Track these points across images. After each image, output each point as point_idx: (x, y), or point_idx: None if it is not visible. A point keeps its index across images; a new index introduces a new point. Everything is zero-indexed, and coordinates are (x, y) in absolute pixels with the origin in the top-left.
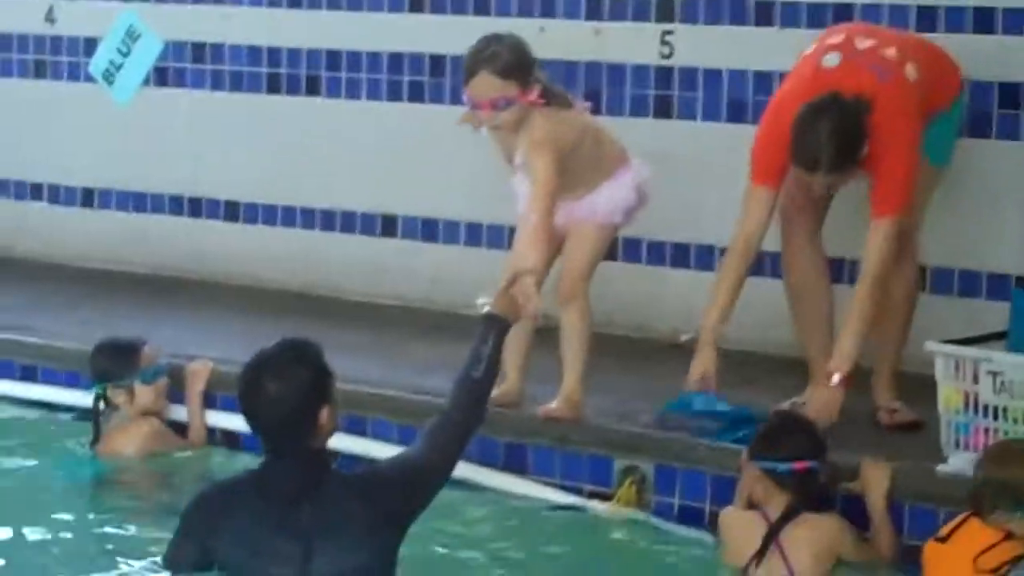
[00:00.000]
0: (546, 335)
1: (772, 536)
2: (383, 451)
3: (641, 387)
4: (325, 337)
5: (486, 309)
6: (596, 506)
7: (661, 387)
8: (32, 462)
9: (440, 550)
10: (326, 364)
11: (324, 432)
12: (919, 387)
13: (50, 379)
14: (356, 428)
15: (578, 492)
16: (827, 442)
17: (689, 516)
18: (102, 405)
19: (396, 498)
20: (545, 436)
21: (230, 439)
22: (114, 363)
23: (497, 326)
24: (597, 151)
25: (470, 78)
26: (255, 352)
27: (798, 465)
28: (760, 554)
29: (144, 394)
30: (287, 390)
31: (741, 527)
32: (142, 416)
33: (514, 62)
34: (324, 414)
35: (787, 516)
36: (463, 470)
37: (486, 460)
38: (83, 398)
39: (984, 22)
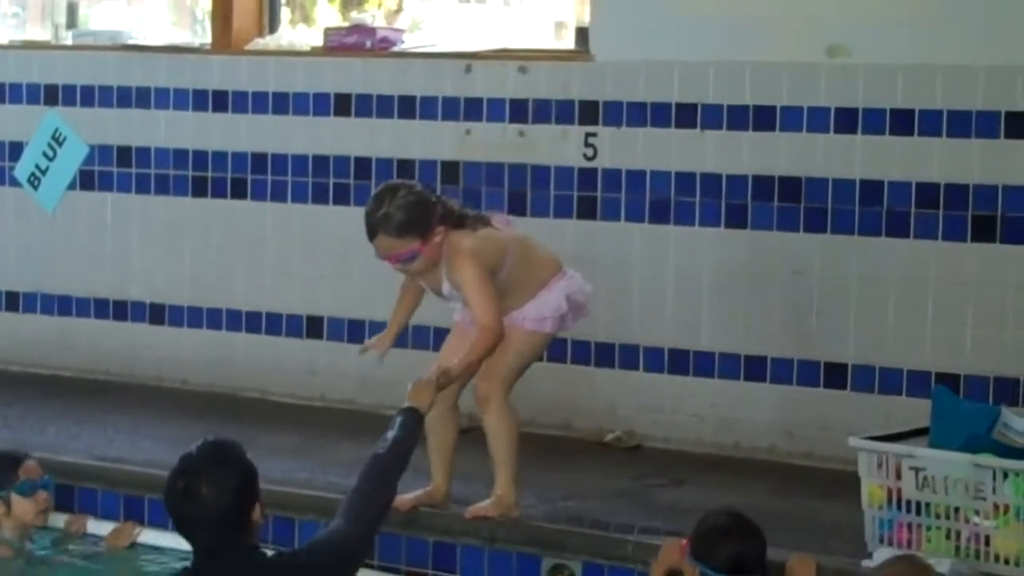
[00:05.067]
0: (477, 437)
1: None
2: None
3: (567, 485)
4: (253, 439)
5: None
6: None
7: (588, 485)
8: None
9: None
10: (249, 462)
11: (255, 528)
12: (841, 483)
13: None
14: (285, 529)
15: None
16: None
17: None
18: None
19: (332, 572)
20: (474, 536)
21: None
22: None
23: (406, 413)
24: (524, 267)
25: (371, 239)
26: (179, 457)
27: None
28: None
29: (20, 505)
30: (219, 492)
31: None
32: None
33: (407, 220)
34: (256, 511)
35: None
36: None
37: (414, 560)
38: None
39: (901, 123)
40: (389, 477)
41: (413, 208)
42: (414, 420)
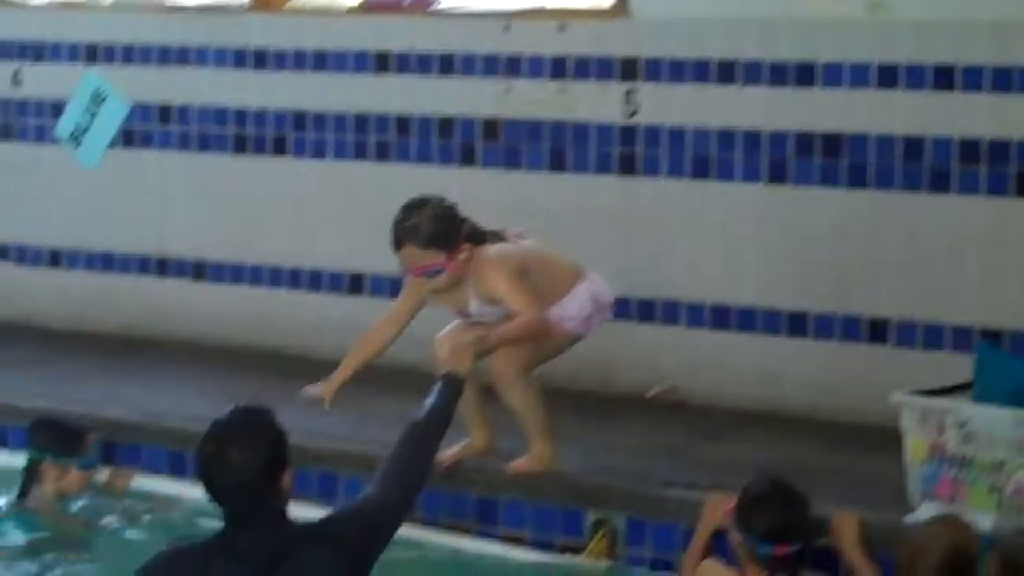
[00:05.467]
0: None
1: None
2: None
3: (610, 441)
4: (295, 395)
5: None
6: (568, 559)
7: (630, 441)
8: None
9: None
10: (281, 427)
11: (285, 495)
12: (884, 439)
13: (19, 440)
14: (327, 484)
15: (549, 546)
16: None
17: (661, 568)
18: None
19: (361, 543)
20: (516, 490)
21: None
22: (61, 442)
23: (444, 380)
24: (545, 277)
25: (397, 249)
26: (211, 423)
27: (780, 550)
28: None
29: (75, 479)
30: (249, 458)
31: None
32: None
33: (434, 232)
34: (285, 478)
35: None
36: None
37: (458, 515)
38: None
39: (943, 79)
40: (426, 444)
41: (441, 222)
42: (453, 387)
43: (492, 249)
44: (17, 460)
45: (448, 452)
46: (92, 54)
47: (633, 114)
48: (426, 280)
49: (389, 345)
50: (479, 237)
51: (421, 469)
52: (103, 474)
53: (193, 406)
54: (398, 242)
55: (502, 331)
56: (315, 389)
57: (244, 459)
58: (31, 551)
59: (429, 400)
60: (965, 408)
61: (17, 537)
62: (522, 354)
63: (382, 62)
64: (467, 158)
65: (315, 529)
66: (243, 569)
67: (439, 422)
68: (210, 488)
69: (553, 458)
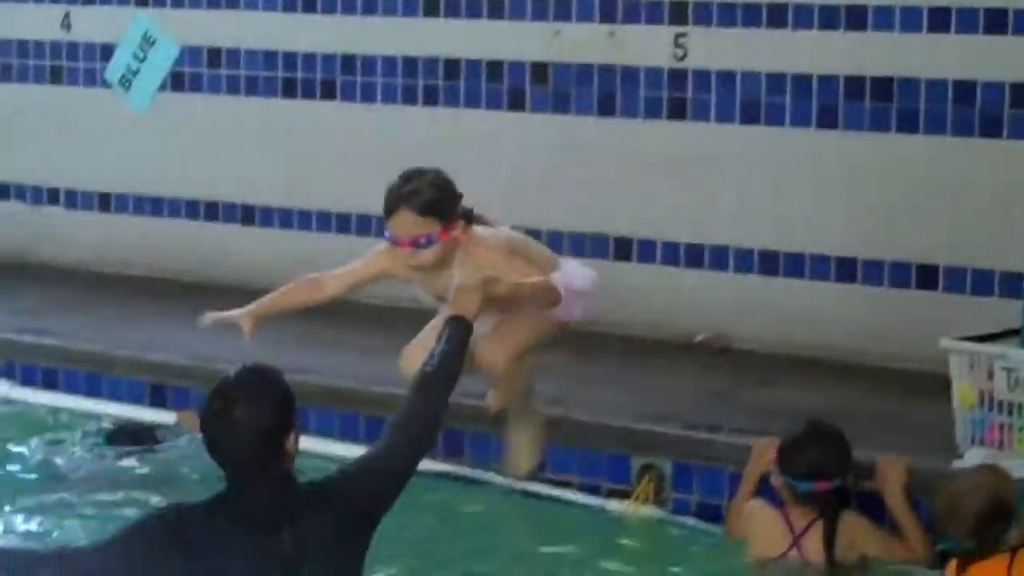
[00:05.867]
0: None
1: (794, 542)
2: None
3: (657, 386)
4: (343, 339)
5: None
6: (614, 504)
7: (677, 386)
8: (57, 459)
9: (459, 550)
10: (289, 389)
11: (289, 457)
12: (932, 385)
13: (70, 382)
14: (375, 428)
15: (596, 490)
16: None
17: (708, 513)
18: None
19: (368, 499)
20: (564, 436)
21: None
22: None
23: (452, 324)
24: (526, 262)
25: (389, 216)
26: (219, 379)
27: (820, 486)
28: (782, 556)
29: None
30: (253, 417)
31: (763, 525)
32: None
33: (434, 199)
34: (290, 439)
35: (808, 527)
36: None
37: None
38: (100, 405)
39: (995, 23)
40: (437, 394)
41: (441, 191)
42: (461, 331)
43: (485, 230)
44: (66, 401)
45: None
46: None
47: (682, 58)
48: (412, 253)
49: (312, 306)
50: (471, 216)
51: (430, 419)
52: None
53: (240, 349)
54: (392, 207)
55: (516, 281)
56: (229, 313)
57: (248, 417)
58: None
59: (437, 347)
60: (1014, 354)
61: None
62: (511, 347)
63: (431, 5)
64: (516, 102)
65: (319, 490)
66: (246, 530)
67: (448, 370)
68: (211, 445)
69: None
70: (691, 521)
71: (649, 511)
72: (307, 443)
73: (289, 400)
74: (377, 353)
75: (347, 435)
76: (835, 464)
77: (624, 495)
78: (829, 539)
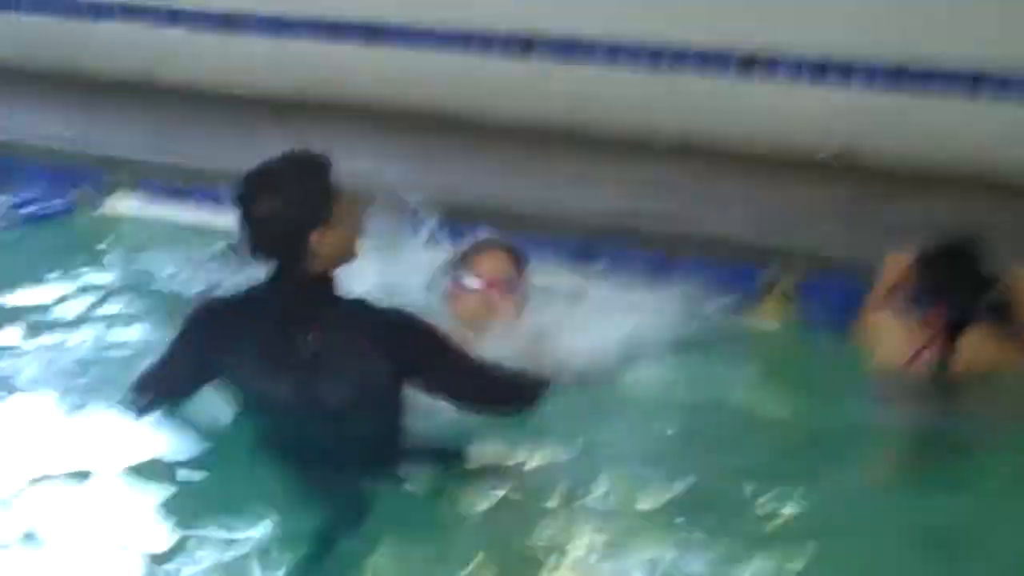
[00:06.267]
0: None
1: (917, 354)
2: None
3: (785, 202)
4: (469, 157)
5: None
6: (742, 316)
7: (804, 202)
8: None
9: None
10: (329, 183)
11: (322, 257)
12: None
13: (196, 199)
14: None
15: (723, 306)
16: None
17: (834, 327)
18: None
19: (408, 363)
20: (691, 250)
21: None
22: None
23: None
24: None
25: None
26: (259, 161)
27: (944, 300)
28: (905, 367)
29: None
30: (276, 206)
31: (889, 335)
32: None
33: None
34: (316, 236)
35: (932, 340)
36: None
37: (633, 272)
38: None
39: None
40: (501, 400)
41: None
42: (536, 389)
43: None
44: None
45: None
46: None
47: None
48: (480, 301)
49: None
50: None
51: (489, 399)
52: None
53: (364, 168)
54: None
55: None
56: None
57: (271, 206)
58: None
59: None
60: None
61: None
62: None
63: None
64: None
65: (363, 312)
66: (273, 325)
67: (515, 396)
68: (242, 230)
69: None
70: (817, 334)
71: (776, 326)
72: None
73: (321, 194)
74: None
75: None
76: (965, 279)
77: (751, 310)
78: (948, 353)
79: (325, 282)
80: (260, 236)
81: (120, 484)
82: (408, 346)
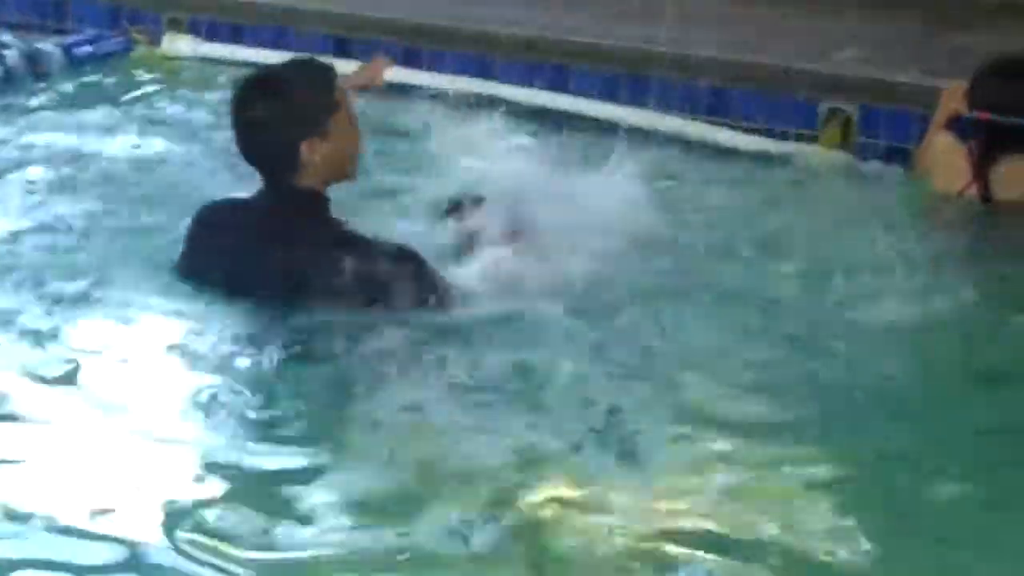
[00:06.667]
0: None
1: (973, 179)
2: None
3: (846, 31)
4: None
5: None
6: (802, 148)
7: (867, 30)
8: None
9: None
10: (331, 94)
11: (312, 170)
12: None
13: (255, 36)
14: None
15: (783, 136)
16: None
17: (895, 156)
18: None
19: (382, 287)
20: (750, 81)
21: None
22: None
23: None
24: None
25: None
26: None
27: (982, 115)
28: (962, 191)
29: None
30: (268, 111)
31: (948, 157)
32: None
33: None
34: (306, 147)
35: (987, 155)
36: (668, 122)
37: (690, 107)
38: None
39: None
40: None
41: None
42: None
43: None
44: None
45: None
46: None
47: None
48: None
49: None
50: None
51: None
52: None
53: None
54: None
55: None
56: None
57: (261, 113)
58: None
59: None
60: None
61: None
62: None
63: None
64: None
65: (342, 234)
66: (254, 232)
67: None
68: (236, 139)
69: None
70: (877, 164)
71: (836, 155)
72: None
73: (318, 103)
74: None
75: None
76: (1012, 98)
77: (812, 139)
78: (985, 175)
79: (314, 199)
80: (249, 141)
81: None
82: (385, 285)
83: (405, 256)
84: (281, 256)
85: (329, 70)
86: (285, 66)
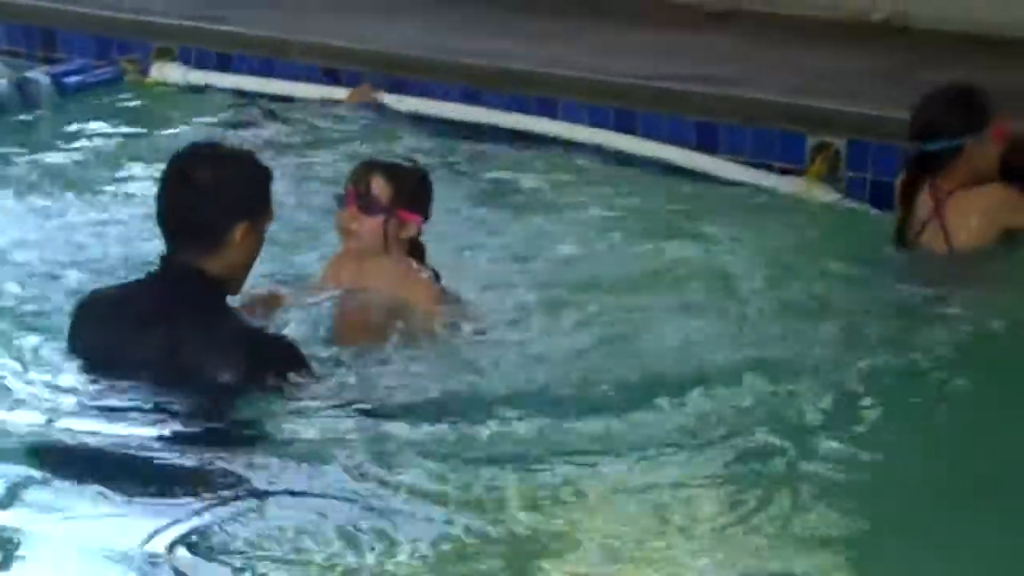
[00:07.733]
0: None
1: (934, 212)
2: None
3: (834, 65)
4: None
5: None
6: (787, 182)
7: (854, 65)
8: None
9: (635, 228)
10: (269, 196)
11: (229, 255)
12: None
13: (245, 66)
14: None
15: (769, 169)
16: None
17: (881, 190)
18: None
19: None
20: (737, 115)
21: None
22: None
23: None
24: None
25: (364, 174)
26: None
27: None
28: (924, 224)
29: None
30: (221, 179)
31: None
32: None
33: (420, 186)
34: (241, 230)
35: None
36: (657, 150)
37: (677, 139)
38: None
39: None
40: None
41: (428, 183)
42: None
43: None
44: (241, 83)
45: None
46: None
47: None
48: (353, 219)
49: None
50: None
51: None
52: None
53: (410, 37)
54: (369, 167)
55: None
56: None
57: (225, 176)
58: None
59: None
60: None
61: None
62: None
63: None
64: None
65: (229, 328)
66: (137, 312)
67: None
68: (159, 203)
69: None
70: (861, 204)
71: (822, 189)
72: None
73: (262, 193)
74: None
75: None
76: (945, 121)
77: (798, 173)
78: (909, 198)
79: (213, 283)
80: (188, 202)
81: None
82: (263, 376)
83: (281, 344)
84: (163, 334)
85: (271, 178)
86: (232, 149)
